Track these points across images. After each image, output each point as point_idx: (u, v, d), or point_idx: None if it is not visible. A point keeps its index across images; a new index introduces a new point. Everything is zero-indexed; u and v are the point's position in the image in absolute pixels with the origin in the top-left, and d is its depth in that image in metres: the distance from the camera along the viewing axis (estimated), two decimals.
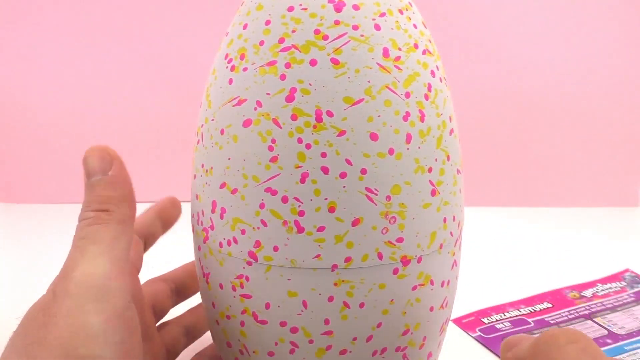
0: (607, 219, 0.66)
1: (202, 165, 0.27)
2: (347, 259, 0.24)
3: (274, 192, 0.24)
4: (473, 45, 0.68)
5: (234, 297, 0.26)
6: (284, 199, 0.24)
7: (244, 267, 0.26)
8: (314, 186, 0.24)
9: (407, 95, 0.25)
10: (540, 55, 0.69)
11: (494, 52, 0.68)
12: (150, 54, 0.69)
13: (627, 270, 0.53)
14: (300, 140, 0.23)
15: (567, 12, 0.68)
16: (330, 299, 0.25)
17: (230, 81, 0.25)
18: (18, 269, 0.54)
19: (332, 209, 0.24)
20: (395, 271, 0.25)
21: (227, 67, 0.26)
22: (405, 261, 0.25)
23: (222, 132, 0.25)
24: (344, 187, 0.24)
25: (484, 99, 0.69)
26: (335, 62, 0.24)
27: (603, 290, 0.50)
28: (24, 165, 0.71)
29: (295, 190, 0.24)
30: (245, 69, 0.25)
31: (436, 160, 0.26)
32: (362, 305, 0.25)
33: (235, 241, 0.25)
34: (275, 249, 0.24)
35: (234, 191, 0.25)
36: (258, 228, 0.24)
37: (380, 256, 0.25)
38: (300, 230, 0.24)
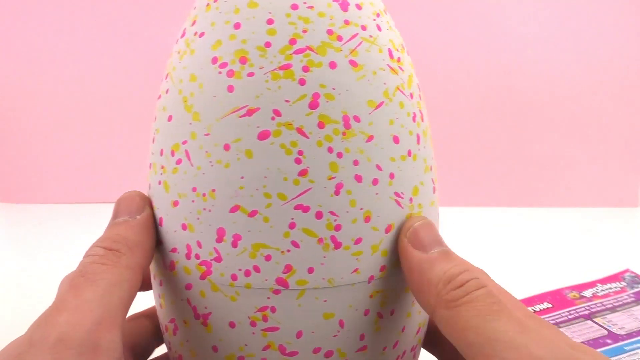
0: (607, 219, 0.66)
1: (194, 190, 0.23)
2: (382, 268, 0.23)
3: (305, 209, 0.22)
4: (474, 44, 0.68)
5: (253, 333, 0.23)
6: (318, 215, 0.22)
7: (269, 298, 0.22)
8: (349, 197, 0.22)
9: (411, 96, 0.24)
10: (540, 54, 0.69)
11: (494, 52, 0.68)
12: (151, 55, 0.69)
13: (627, 271, 0.53)
14: (330, 150, 0.22)
15: (568, 12, 0.68)
16: (366, 312, 0.23)
17: (231, 89, 0.22)
18: (18, 269, 0.54)
19: (367, 219, 0.23)
20: None
21: (220, 73, 0.23)
22: None
23: (226, 147, 0.22)
24: (377, 193, 0.23)
25: (484, 99, 0.69)
26: (353, 64, 0.22)
27: (603, 290, 0.50)
28: (24, 165, 0.71)
29: (329, 203, 0.22)
30: (250, 74, 0.22)
31: (433, 158, 0.26)
32: (392, 312, 0.24)
33: (257, 270, 0.22)
34: (310, 270, 0.22)
35: (252, 214, 0.22)
36: (288, 251, 0.22)
37: None
38: (338, 245, 0.22)
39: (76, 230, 0.63)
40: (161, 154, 0.24)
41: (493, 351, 0.19)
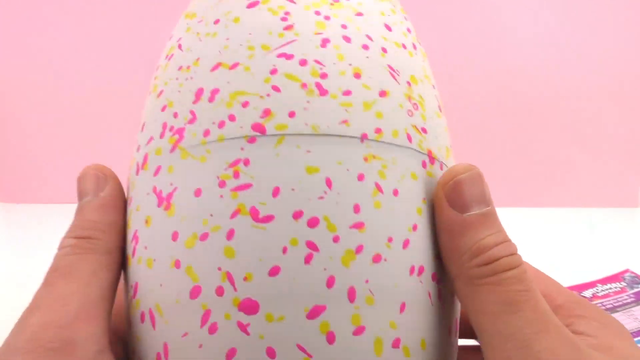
0: (607, 219, 0.66)
1: (180, 68, 0.22)
2: (378, 130, 0.21)
3: (289, 57, 0.21)
4: (475, 46, 0.68)
5: (221, 196, 0.19)
6: (302, 62, 0.20)
7: (242, 149, 0.20)
8: (336, 51, 0.21)
9: None
10: (540, 55, 0.69)
11: (495, 53, 0.68)
12: (152, 55, 0.69)
13: (627, 271, 0.53)
14: (317, 13, 0.21)
15: (568, 14, 0.68)
16: (360, 177, 0.20)
17: None
18: (18, 269, 0.54)
19: (357, 75, 0.21)
20: (424, 164, 0.21)
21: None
22: (431, 158, 0.22)
23: (216, 22, 0.22)
24: (367, 57, 0.21)
25: (484, 99, 0.69)
26: None
27: (603, 290, 0.50)
28: (24, 165, 0.71)
29: (315, 53, 0.21)
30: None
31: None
32: (395, 192, 0.20)
33: (232, 118, 0.20)
34: (291, 114, 0.20)
35: (233, 66, 0.21)
36: (268, 95, 0.20)
37: (409, 138, 0.21)
38: (323, 92, 0.20)
39: None
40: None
41: (500, 347, 0.17)
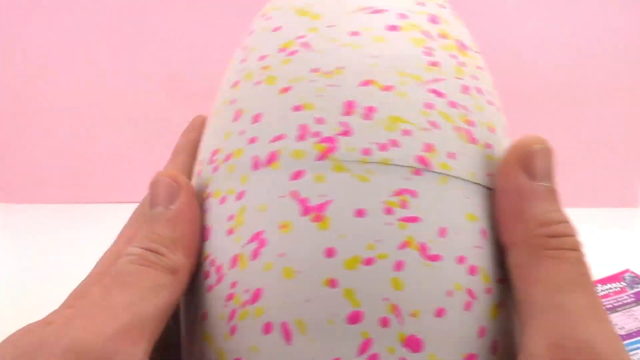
0: (607, 219, 0.66)
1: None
2: None
3: (440, 94, 0.20)
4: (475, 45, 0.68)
5: (389, 224, 0.19)
6: (452, 104, 0.20)
7: (408, 179, 0.19)
8: (475, 101, 0.21)
9: None
10: (539, 54, 0.69)
11: (493, 52, 0.68)
12: (152, 56, 0.69)
13: (627, 271, 0.53)
14: (454, 56, 0.22)
15: (568, 12, 0.68)
16: None
17: None
18: (18, 269, 0.54)
19: (492, 130, 0.21)
20: None
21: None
22: None
23: (355, 33, 0.21)
24: (496, 111, 0.23)
25: None
26: None
27: (603, 290, 0.50)
28: (24, 165, 0.71)
29: (459, 98, 0.21)
30: None
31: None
32: None
33: (396, 144, 0.19)
34: (451, 155, 0.20)
35: (387, 88, 0.20)
36: (427, 130, 0.20)
37: None
38: (473, 141, 0.20)
39: (76, 230, 0.63)
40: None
41: (552, 321, 0.17)
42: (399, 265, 0.18)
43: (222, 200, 0.21)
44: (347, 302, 0.18)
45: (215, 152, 0.22)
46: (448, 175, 0.19)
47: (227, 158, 0.21)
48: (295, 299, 0.18)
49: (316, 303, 0.18)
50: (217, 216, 0.21)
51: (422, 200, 0.19)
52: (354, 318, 0.18)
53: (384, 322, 0.18)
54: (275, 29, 0.22)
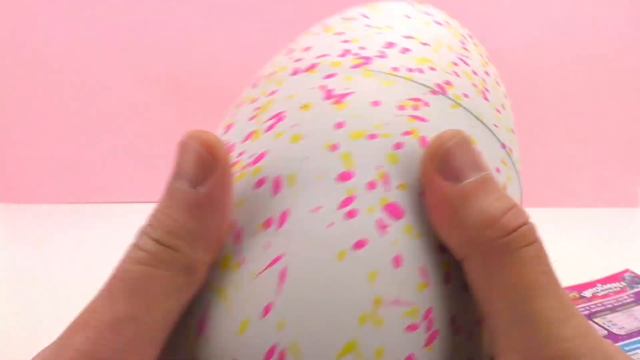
0: (607, 219, 0.66)
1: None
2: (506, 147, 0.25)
3: (466, 63, 0.25)
4: None
5: (397, 116, 0.20)
6: (474, 73, 0.24)
7: (424, 94, 0.21)
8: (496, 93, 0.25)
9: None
10: (540, 54, 0.69)
11: (494, 53, 0.68)
12: (152, 56, 0.69)
13: (627, 271, 0.53)
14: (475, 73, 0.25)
15: (568, 13, 0.68)
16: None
17: None
18: (18, 269, 0.54)
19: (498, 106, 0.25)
20: None
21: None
22: None
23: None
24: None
25: None
26: None
27: (603, 290, 0.50)
28: (24, 165, 0.71)
29: (481, 72, 0.25)
30: None
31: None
32: None
33: (422, 71, 0.22)
34: (466, 95, 0.23)
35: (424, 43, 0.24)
36: (452, 73, 0.23)
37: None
38: (486, 99, 0.24)
39: (76, 230, 0.63)
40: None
41: (526, 334, 0.16)
42: (398, 145, 0.20)
43: (253, 101, 0.22)
44: (341, 163, 0.19)
45: (260, 77, 0.24)
46: (459, 104, 0.22)
47: (270, 75, 0.23)
48: (294, 156, 0.19)
49: (312, 160, 0.19)
50: (243, 114, 0.22)
51: (433, 110, 0.21)
52: (344, 176, 0.19)
53: (371, 185, 0.19)
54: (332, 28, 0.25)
